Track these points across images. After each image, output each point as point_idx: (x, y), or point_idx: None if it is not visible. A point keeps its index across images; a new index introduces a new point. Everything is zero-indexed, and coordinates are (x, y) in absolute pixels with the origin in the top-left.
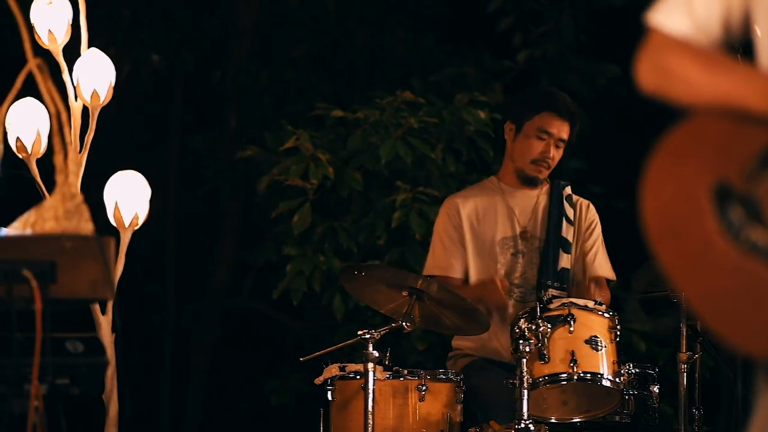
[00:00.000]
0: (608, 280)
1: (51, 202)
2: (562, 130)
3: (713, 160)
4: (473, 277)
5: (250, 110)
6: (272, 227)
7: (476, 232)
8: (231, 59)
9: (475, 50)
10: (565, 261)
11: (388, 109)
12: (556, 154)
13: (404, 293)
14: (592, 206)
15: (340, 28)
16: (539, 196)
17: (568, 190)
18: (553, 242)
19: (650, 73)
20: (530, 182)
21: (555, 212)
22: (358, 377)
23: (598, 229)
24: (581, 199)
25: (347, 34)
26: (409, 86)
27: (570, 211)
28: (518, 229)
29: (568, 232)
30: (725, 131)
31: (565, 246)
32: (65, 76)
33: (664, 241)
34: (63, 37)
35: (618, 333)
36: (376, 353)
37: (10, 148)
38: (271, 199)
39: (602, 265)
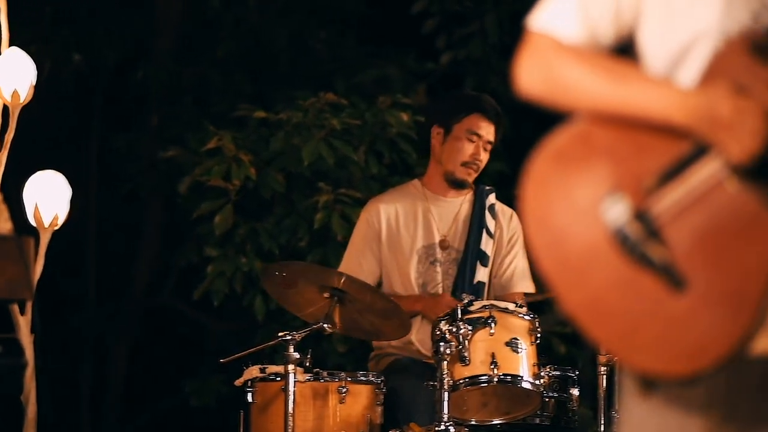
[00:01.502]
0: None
1: None
2: (489, 132)
3: (606, 171)
4: (388, 283)
5: (172, 110)
6: (194, 228)
7: (395, 237)
8: (153, 58)
9: (398, 52)
10: (481, 274)
11: (311, 111)
12: (484, 157)
13: (325, 295)
14: (515, 216)
15: (262, 28)
16: (462, 204)
17: (492, 198)
18: (471, 254)
19: (538, 79)
20: (459, 185)
21: (476, 223)
22: (278, 379)
23: (521, 241)
24: (505, 208)
25: (269, 34)
26: (332, 87)
27: (491, 223)
28: (438, 238)
29: (487, 244)
30: (619, 142)
31: (483, 259)
32: None
33: (546, 249)
34: None
35: (538, 335)
36: (296, 355)
37: None
38: (192, 199)
39: (521, 282)
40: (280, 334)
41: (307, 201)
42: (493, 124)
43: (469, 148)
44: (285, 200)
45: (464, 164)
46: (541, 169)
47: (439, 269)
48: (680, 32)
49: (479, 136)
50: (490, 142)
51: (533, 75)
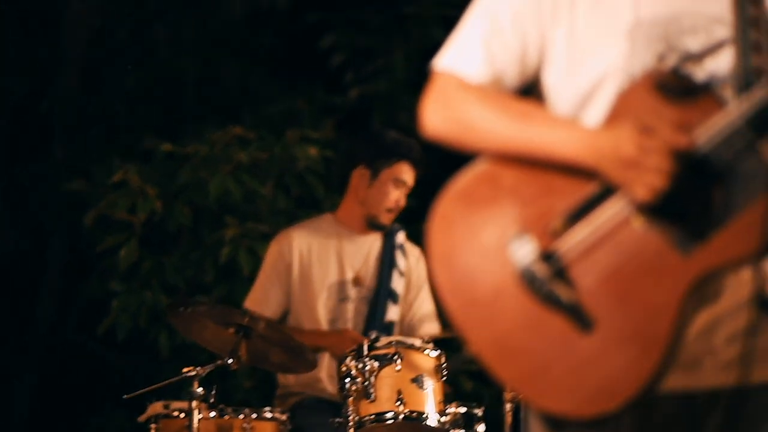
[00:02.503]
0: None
1: None
2: (413, 178)
3: (512, 212)
4: (295, 316)
5: (78, 142)
6: (99, 262)
7: (306, 271)
8: (58, 89)
9: (307, 85)
10: (392, 313)
11: (218, 144)
12: (404, 202)
13: (231, 330)
14: (422, 256)
15: (170, 60)
16: (374, 243)
17: (401, 237)
18: (382, 293)
19: (442, 119)
20: (379, 228)
21: (386, 261)
22: (182, 415)
23: (427, 282)
24: (415, 248)
25: (178, 66)
26: (240, 120)
27: (402, 261)
28: (350, 275)
29: (398, 283)
30: (525, 182)
31: (394, 297)
32: None
33: (452, 289)
34: None
35: (445, 372)
36: (201, 391)
37: None
38: (97, 232)
39: (428, 324)
40: (184, 370)
41: (213, 235)
42: (418, 171)
43: (394, 195)
44: (191, 234)
45: (388, 210)
46: (447, 210)
47: (349, 307)
48: (585, 73)
49: (405, 183)
50: (411, 188)
51: (438, 115)
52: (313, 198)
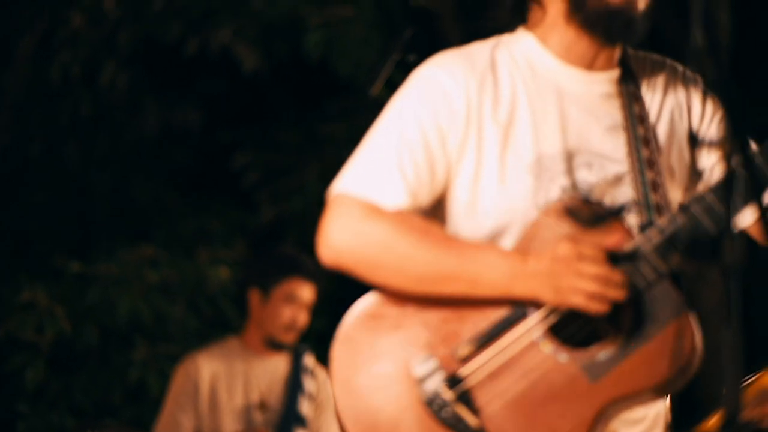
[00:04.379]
0: None
1: None
2: (309, 293)
3: (418, 337)
4: None
5: None
6: (4, 383)
7: (213, 395)
8: None
9: (219, 204)
10: None
11: (129, 264)
12: (304, 319)
13: None
14: (328, 380)
15: (82, 176)
16: (280, 365)
17: (309, 360)
18: (289, 417)
19: (352, 246)
20: (279, 347)
21: (293, 385)
22: None
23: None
24: (323, 371)
25: (89, 182)
26: (152, 238)
27: (310, 384)
28: (256, 400)
29: (306, 407)
30: (433, 307)
31: (302, 422)
32: None
33: (353, 414)
34: None
35: None
36: None
37: None
38: (3, 353)
39: None
40: None
41: (122, 356)
42: (313, 285)
43: (287, 312)
44: (100, 355)
45: (286, 328)
46: (351, 332)
47: None
48: (493, 206)
49: (298, 299)
50: (309, 303)
51: (344, 240)
52: (225, 319)
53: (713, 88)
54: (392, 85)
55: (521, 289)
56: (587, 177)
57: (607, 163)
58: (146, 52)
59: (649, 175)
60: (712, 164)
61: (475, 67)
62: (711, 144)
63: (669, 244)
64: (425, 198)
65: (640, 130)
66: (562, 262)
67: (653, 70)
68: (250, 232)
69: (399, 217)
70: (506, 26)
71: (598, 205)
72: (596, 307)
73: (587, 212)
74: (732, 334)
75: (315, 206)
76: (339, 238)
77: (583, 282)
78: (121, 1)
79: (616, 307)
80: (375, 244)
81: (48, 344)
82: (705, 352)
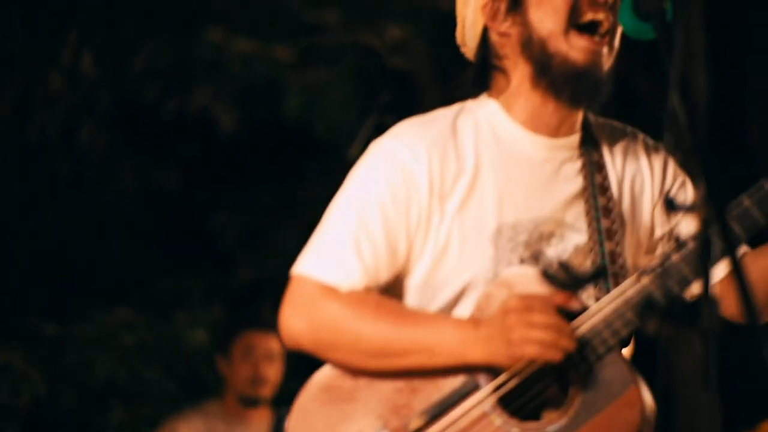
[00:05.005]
0: None
1: None
2: (269, 343)
3: (371, 410)
4: None
5: None
6: None
7: None
8: None
9: (197, 266)
10: None
11: (106, 326)
12: (272, 371)
13: None
14: None
15: (59, 236)
16: (261, 428)
17: None
18: None
19: (310, 327)
20: (253, 404)
21: None
22: None
23: None
24: None
25: (66, 242)
26: (129, 299)
27: None
28: None
29: None
30: (387, 380)
31: None
32: None
33: None
34: None
35: None
36: None
37: None
38: None
39: None
40: None
41: (99, 418)
42: (273, 334)
43: (248, 366)
44: (77, 417)
45: (252, 382)
46: (306, 403)
47: None
48: (453, 277)
49: (256, 351)
50: (273, 355)
51: (302, 322)
52: (202, 381)
53: (689, 155)
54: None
55: (475, 353)
56: (548, 248)
57: (568, 233)
58: (125, 112)
59: (608, 246)
60: (672, 230)
61: (436, 137)
62: (673, 210)
63: (627, 312)
64: (384, 275)
65: (602, 200)
66: (513, 314)
67: (614, 137)
68: (227, 293)
69: (351, 297)
70: (471, 93)
71: (575, 270)
72: (550, 356)
73: (564, 276)
74: (710, 398)
75: (292, 267)
76: (294, 324)
77: (535, 332)
78: (100, 61)
79: (567, 378)
80: (328, 328)
81: (24, 407)
82: (683, 415)
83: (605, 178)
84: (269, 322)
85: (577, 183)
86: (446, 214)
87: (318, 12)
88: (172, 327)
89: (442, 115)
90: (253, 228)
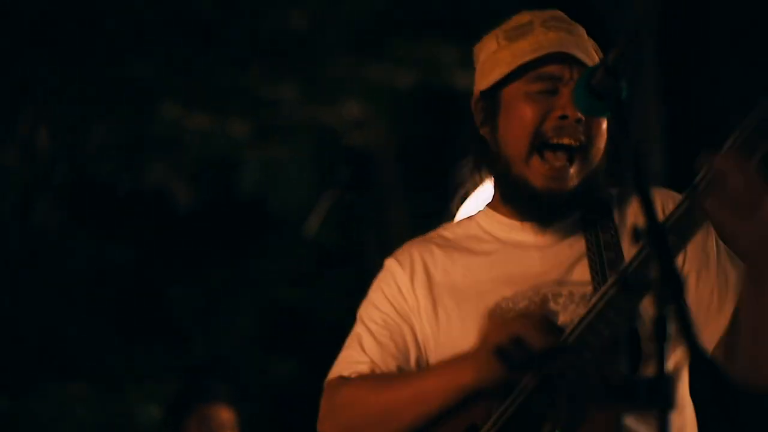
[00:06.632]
0: None
1: None
2: (221, 416)
3: None
4: None
5: None
6: None
7: None
8: None
9: (150, 341)
10: None
11: (58, 401)
12: None
13: None
14: None
15: (11, 312)
16: None
17: None
18: None
19: (330, 417)
20: None
21: None
22: None
23: None
24: None
25: (18, 318)
26: (82, 375)
27: None
28: None
29: None
30: None
31: None
32: None
33: None
34: None
35: None
36: None
37: None
38: None
39: None
40: None
41: None
42: (225, 407)
43: None
44: None
45: None
46: None
47: None
48: (453, 349)
49: (211, 422)
50: (227, 425)
51: (326, 418)
52: None
53: (644, 234)
54: (329, 223)
55: (465, 374)
56: (556, 306)
57: (575, 289)
58: (80, 188)
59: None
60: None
61: (424, 243)
62: (638, 239)
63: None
64: (393, 364)
65: (608, 255)
66: (491, 327)
67: (621, 198)
68: (180, 369)
69: (357, 378)
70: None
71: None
72: (526, 329)
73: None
74: None
75: (247, 345)
76: (321, 425)
77: (513, 322)
78: (55, 137)
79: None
80: (341, 411)
81: None
82: None
83: (613, 236)
84: (221, 395)
85: (579, 246)
86: (440, 302)
87: (275, 88)
88: (126, 402)
89: (447, 226)
90: (207, 304)
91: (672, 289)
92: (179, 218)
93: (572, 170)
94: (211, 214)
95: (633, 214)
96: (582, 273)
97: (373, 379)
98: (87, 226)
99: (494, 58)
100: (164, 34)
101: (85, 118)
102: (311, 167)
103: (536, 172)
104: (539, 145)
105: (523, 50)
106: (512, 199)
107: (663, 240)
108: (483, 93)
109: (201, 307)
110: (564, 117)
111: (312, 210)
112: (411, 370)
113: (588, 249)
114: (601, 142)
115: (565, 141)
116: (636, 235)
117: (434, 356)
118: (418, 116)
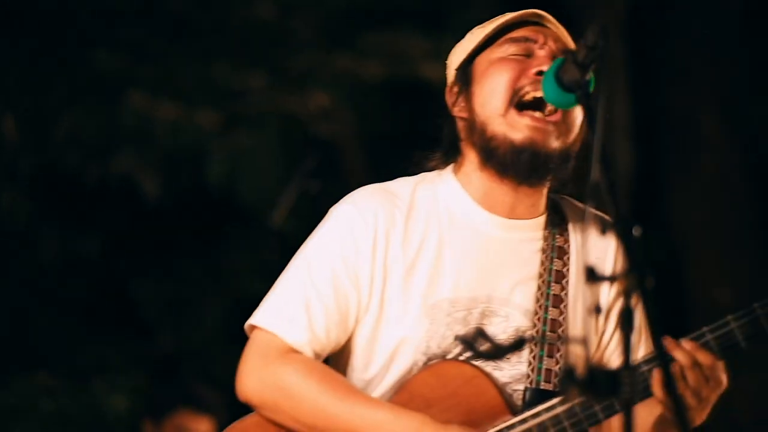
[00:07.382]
0: None
1: None
2: (202, 425)
3: None
4: None
5: None
6: None
7: None
8: None
9: (118, 334)
10: None
11: (25, 393)
12: None
13: None
14: None
15: None
16: None
17: None
18: None
19: (263, 384)
20: None
21: None
22: None
23: None
24: None
25: None
26: (49, 367)
27: None
28: None
29: None
30: None
31: None
32: None
33: None
34: None
35: None
36: None
37: None
38: None
39: None
40: None
41: None
42: (207, 417)
43: None
44: None
45: None
46: None
47: None
48: (389, 340)
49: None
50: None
51: (257, 378)
52: None
53: (610, 225)
54: (296, 214)
55: None
56: (489, 326)
57: (513, 314)
58: (46, 179)
59: (551, 337)
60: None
61: (390, 205)
62: (593, 279)
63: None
64: (334, 333)
65: (555, 288)
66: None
67: (587, 222)
68: (148, 361)
69: (307, 364)
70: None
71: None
72: None
73: (486, 346)
74: None
75: (215, 337)
76: (246, 382)
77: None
78: (22, 127)
79: None
80: (282, 388)
81: None
82: None
83: (565, 264)
84: (203, 402)
85: (533, 266)
86: (388, 284)
87: (242, 78)
88: (92, 394)
89: (402, 184)
90: (175, 295)
91: (637, 279)
92: (147, 209)
93: (551, 127)
94: (179, 205)
95: (594, 248)
96: (525, 296)
97: (317, 380)
98: (54, 216)
99: (469, 38)
100: (132, 24)
101: (53, 108)
102: (277, 157)
103: (516, 125)
104: (517, 100)
105: (496, 22)
106: (491, 157)
107: (627, 229)
108: (458, 70)
109: (169, 298)
110: (540, 73)
111: (278, 200)
112: (358, 391)
113: (540, 274)
114: (576, 119)
115: (541, 94)
116: (590, 275)
117: (366, 330)
118: (385, 107)
